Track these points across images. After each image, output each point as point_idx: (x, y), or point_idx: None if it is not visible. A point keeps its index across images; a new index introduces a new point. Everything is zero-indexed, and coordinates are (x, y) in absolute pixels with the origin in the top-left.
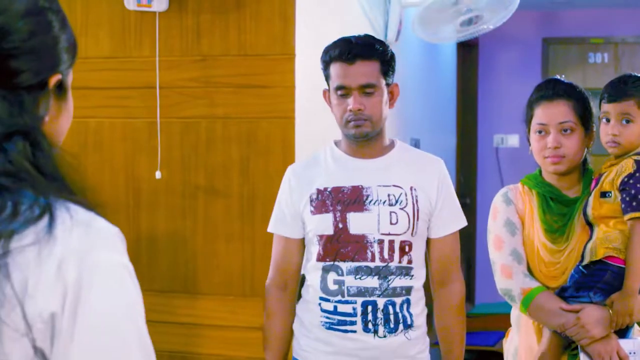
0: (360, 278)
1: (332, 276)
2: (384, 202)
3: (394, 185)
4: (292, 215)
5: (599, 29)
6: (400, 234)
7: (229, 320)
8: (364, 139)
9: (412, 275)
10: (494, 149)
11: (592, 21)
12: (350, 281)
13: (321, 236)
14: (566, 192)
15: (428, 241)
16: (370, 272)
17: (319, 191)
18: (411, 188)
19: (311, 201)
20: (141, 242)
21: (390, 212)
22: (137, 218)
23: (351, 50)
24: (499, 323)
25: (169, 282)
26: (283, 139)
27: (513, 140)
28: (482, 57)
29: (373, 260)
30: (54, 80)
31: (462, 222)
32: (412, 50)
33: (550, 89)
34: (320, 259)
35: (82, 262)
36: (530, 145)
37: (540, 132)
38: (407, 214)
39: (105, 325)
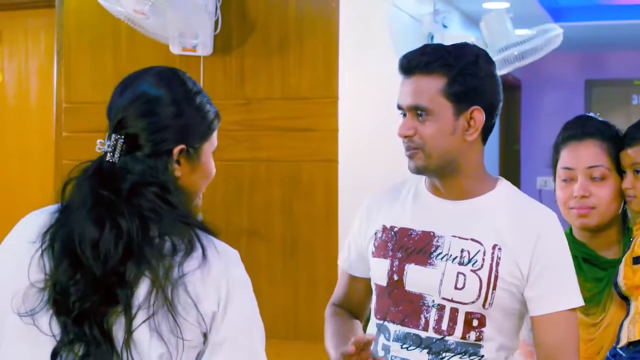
0: (407, 348)
1: (381, 339)
2: (453, 259)
3: (472, 240)
4: (359, 249)
5: None
6: (466, 303)
7: None
8: (422, 174)
9: (482, 357)
10: (537, 192)
11: (635, 63)
12: (396, 350)
13: (377, 286)
14: (603, 254)
15: (531, 320)
16: (419, 342)
17: (384, 229)
18: (494, 247)
19: (375, 239)
20: None
21: (458, 273)
22: None
23: (410, 59)
24: None
25: None
26: (326, 182)
27: None
28: (525, 99)
29: (426, 329)
30: (176, 150)
31: (574, 300)
32: None
33: (579, 127)
34: (375, 314)
35: (228, 278)
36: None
37: (565, 179)
38: (480, 278)
39: (241, 315)
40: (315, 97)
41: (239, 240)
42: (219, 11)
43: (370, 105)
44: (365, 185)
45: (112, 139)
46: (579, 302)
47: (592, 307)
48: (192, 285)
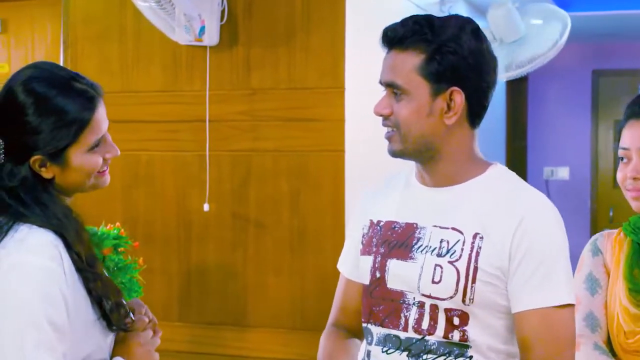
0: (387, 352)
1: (364, 345)
2: (432, 251)
3: (453, 229)
4: (354, 250)
5: None
6: (444, 299)
7: (279, 353)
8: (401, 158)
9: (471, 357)
10: (543, 182)
11: None
12: (377, 354)
13: (363, 286)
14: None
15: (513, 318)
16: (399, 344)
17: (371, 224)
18: (475, 235)
19: (363, 236)
20: (191, 274)
21: (435, 265)
22: (187, 251)
23: (388, 31)
24: None
25: (219, 314)
26: (333, 172)
27: (563, 173)
28: (532, 90)
29: (405, 329)
30: (32, 160)
31: (560, 297)
32: None
33: (638, 105)
34: (362, 317)
35: (1, 260)
36: None
37: (622, 158)
38: (457, 270)
39: (4, 297)
40: (322, 87)
41: (246, 231)
42: (225, 1)
43: (377, 94)
44: (372, 175)
45: None
46: (567, 298)
47: None
48: None
